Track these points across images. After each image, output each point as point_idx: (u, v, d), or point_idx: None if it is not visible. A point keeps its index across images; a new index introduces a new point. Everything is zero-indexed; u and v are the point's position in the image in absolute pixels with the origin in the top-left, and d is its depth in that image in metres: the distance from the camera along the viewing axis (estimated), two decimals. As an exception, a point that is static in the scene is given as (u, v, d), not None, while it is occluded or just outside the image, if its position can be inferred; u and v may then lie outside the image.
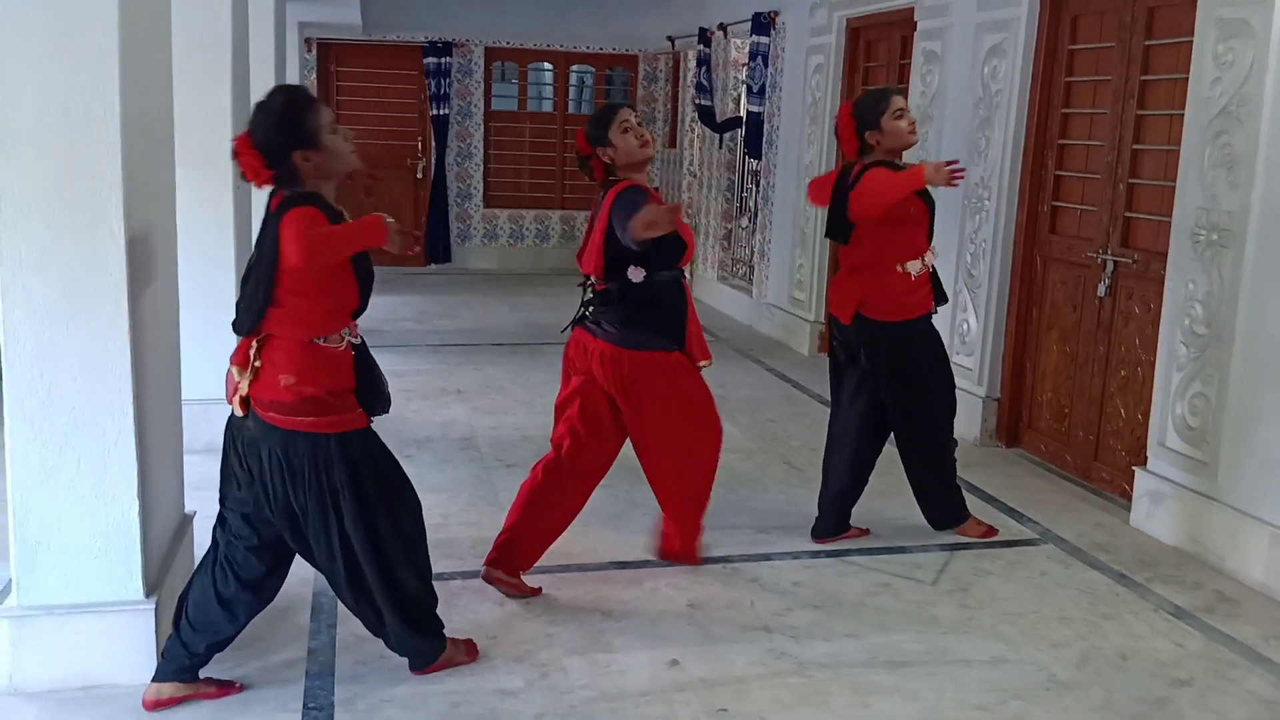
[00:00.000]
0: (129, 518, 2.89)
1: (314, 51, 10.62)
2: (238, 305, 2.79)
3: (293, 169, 2.73)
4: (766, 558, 4.02)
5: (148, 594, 2.97)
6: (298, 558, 2.98)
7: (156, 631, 2.95)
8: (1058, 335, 5.23)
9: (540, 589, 3.65)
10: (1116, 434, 4.84)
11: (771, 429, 5.78)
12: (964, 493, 4.34)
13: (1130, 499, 4.54)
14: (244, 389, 2.76)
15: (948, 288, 5.57)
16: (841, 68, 7.31)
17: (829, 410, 4.30)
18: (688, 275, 3.72)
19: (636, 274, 3.48)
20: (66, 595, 2.90)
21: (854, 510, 4.21)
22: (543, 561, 3.81)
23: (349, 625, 3.17)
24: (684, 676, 3.14)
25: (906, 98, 6.21)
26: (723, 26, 9.13)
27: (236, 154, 2.72)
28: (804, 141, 7.76)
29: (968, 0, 5.70)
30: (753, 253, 9.00)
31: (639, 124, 3.58)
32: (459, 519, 4.31)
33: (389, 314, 8.65)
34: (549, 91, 11.57)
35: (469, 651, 3.18)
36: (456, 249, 11.21)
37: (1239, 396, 3.99)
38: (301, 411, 2.75)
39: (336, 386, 2.79)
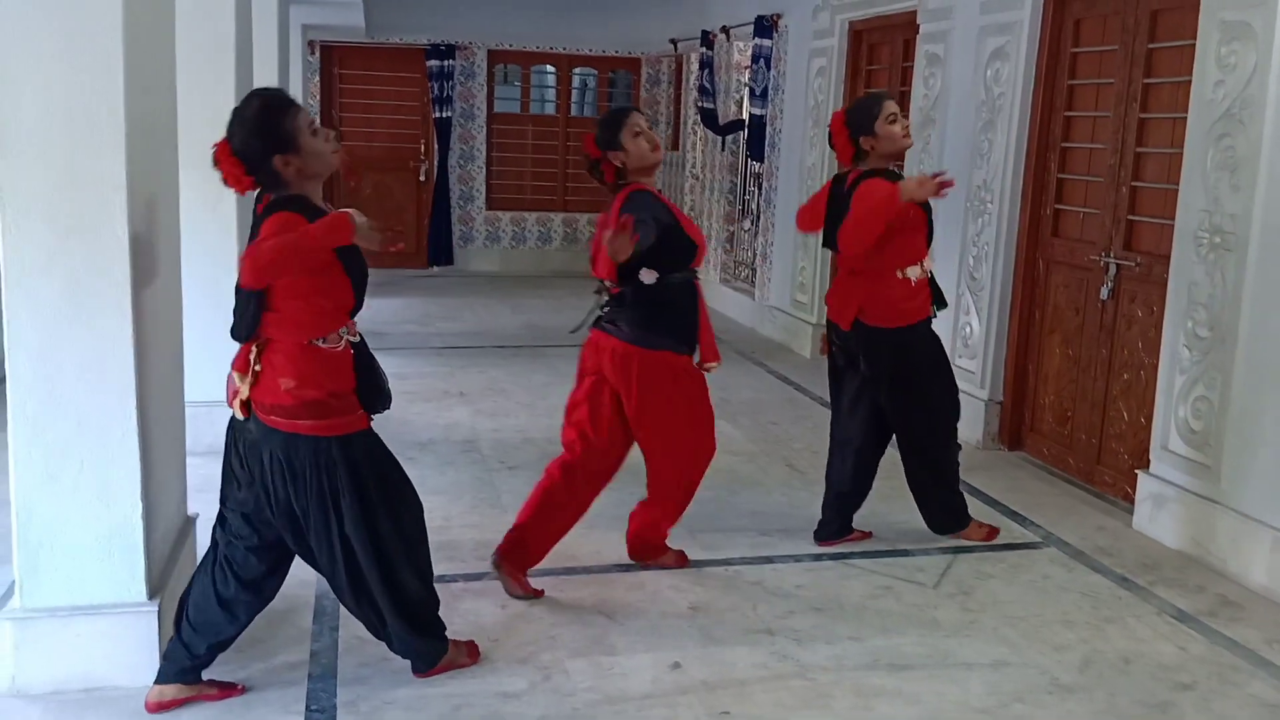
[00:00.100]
0: (132, 520, 2.89)
1: (317, 54, 10.64)
2: (234, 312, 2.79)
3: (274, 174, 2.72)
4: (769, 560, 4.02)
5: (150, 596, 2.97)
6: (298, 558, 2.98)
7: (159, 633, 2.95)
8: (1060, 338, 5.23)
9: (542, 591, 3.65)
10: (1119, 437, 4.84)
11: (773, 431, 5.78)
12: (965, 496, 4.33)
13: (1133, 502, 4.53)
14: (244, 393, 2.76)
15: (950, 291, 5.60)
16: (844, 70, 7.32)
17: (830, 414, 4.30)
18: (700, 277, 3.73)
19: (649, 276, 3.50)
20: (69, 597, 2.90)
21: (856, 513, 4.21)
22: (545, 563, 3.81)
23: (351, 627, 3.17)
24: (686, 679, 3.14)
25: (909, 101, 6.29)
26: (725, 29, 9.14)
27: (216, 162, 2.71)
28: (806, 144, 7.76)
29: (970, 3, 5.70)
30: (755, 255, 9.00)
31: (649, 128, 3.60)
32: (461, 521, 4.31)
33: (392, 316, 8.66)
34: (551, 94, 11.58)
35: (471, 653, 3.18)
36: (459, 251, 11.22)
37: (1242, 399, 3.99)
38: (303, 415, 2.75)
39: (337, 388, 2.79)
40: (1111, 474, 4.87)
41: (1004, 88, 5.43)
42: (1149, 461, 4.45)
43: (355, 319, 2.90)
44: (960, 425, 4.23)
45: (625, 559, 3.92)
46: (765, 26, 8.24)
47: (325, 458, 2.79)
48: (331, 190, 10.85)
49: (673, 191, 10.69)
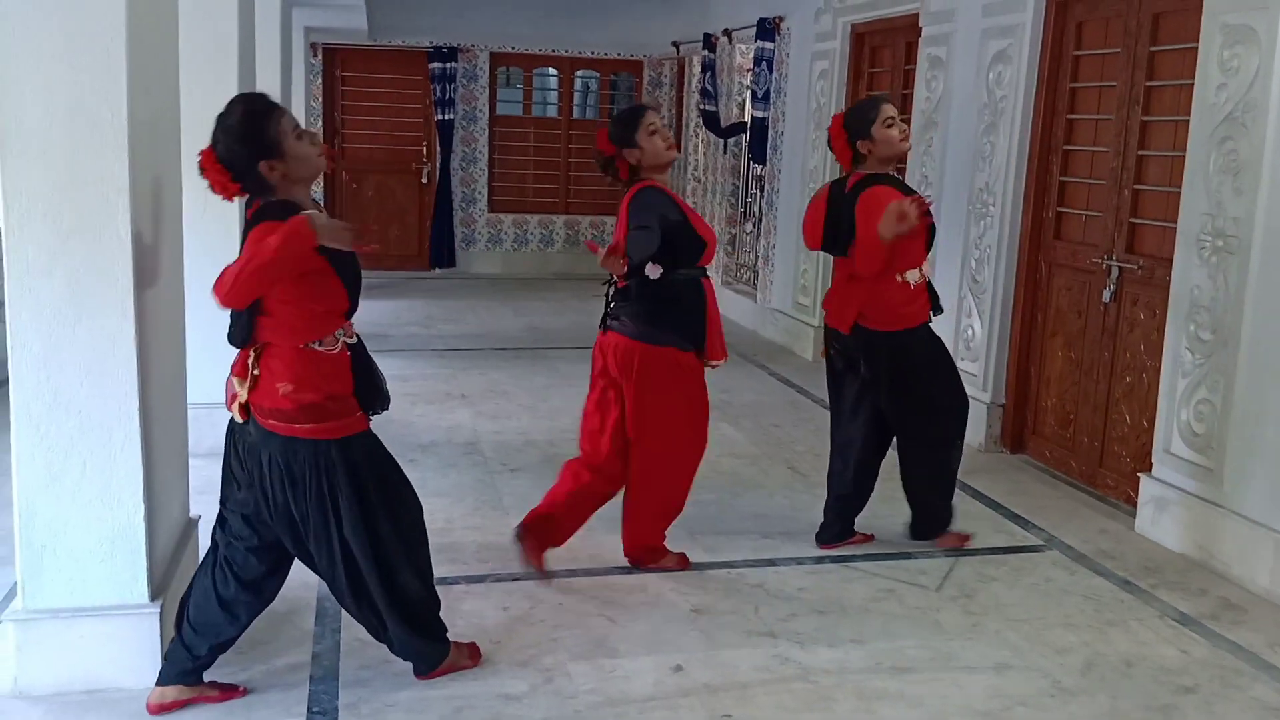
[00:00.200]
0: (134, 521, 2.89)
1: (320, 56, 10.65)
2: (230, 317, 2.79)
3: (260, 180, 2.71)
4: (771, 563, 4.02)
5: (153, 598, 2.97)
6: (298, 560, 2.98)
7: (161, 635, 2.95)
8: (1062, 341, 5.22)
9: (552, 575, 3.71)
10: (1121, 440, 4.83)
11: (775, 434, 5.77)
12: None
13: (1135, 505, 4.53)
14: (243, 396, 2.76)
15: (952, 293, 5.61)
16: (846, 73, 7.32)
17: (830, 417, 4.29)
18: (709, 274, 3.75)
19: (654, 271, 3.54)
20: (72, 599, 2.90)
21: (858, 516, 4.20)
22: (547, 566, 3.83)
23: (353, 630, 3.17)
24: (688, 682, 3.14)
25: (911, 104, 6.29)
26: (727, 32, 9.14)
27: (202, 170, 2.70)
28: (808, 147, 7.76)
29: (973, 6, 5.70)
30: (757, 258, 9.00)
31: (663, 126, 3.65)
32: (463, 523, 4.31)
33: (393, 318, 8.67)
34: (554, 97, 11.59)
35: (472, 656, 3.18)
36: (461, 254, 11.22)
37: (1245, 402, 3.99)
38: (301, 419, 2.74)
39: (335, 391, 2.79)
40: (1114, 477, 4.86)
41: (1006, 90, 5.43)
42: (1151, 465, 4.45)
43: (352, 320, 2.89)
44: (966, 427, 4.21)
45: (627, 561, 3.92)
46: (767, 29, 8.24)
47: (324, 460, 2.78)
48: (333, 192, 10.90)
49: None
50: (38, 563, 2.87)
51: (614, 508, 3.90)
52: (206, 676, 2.93)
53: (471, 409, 6.06)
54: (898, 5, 6.57)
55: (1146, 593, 3.88)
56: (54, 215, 2.72)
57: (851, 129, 3.90)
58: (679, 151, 3.99)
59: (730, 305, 9.34)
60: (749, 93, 8.92)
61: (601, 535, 3.99)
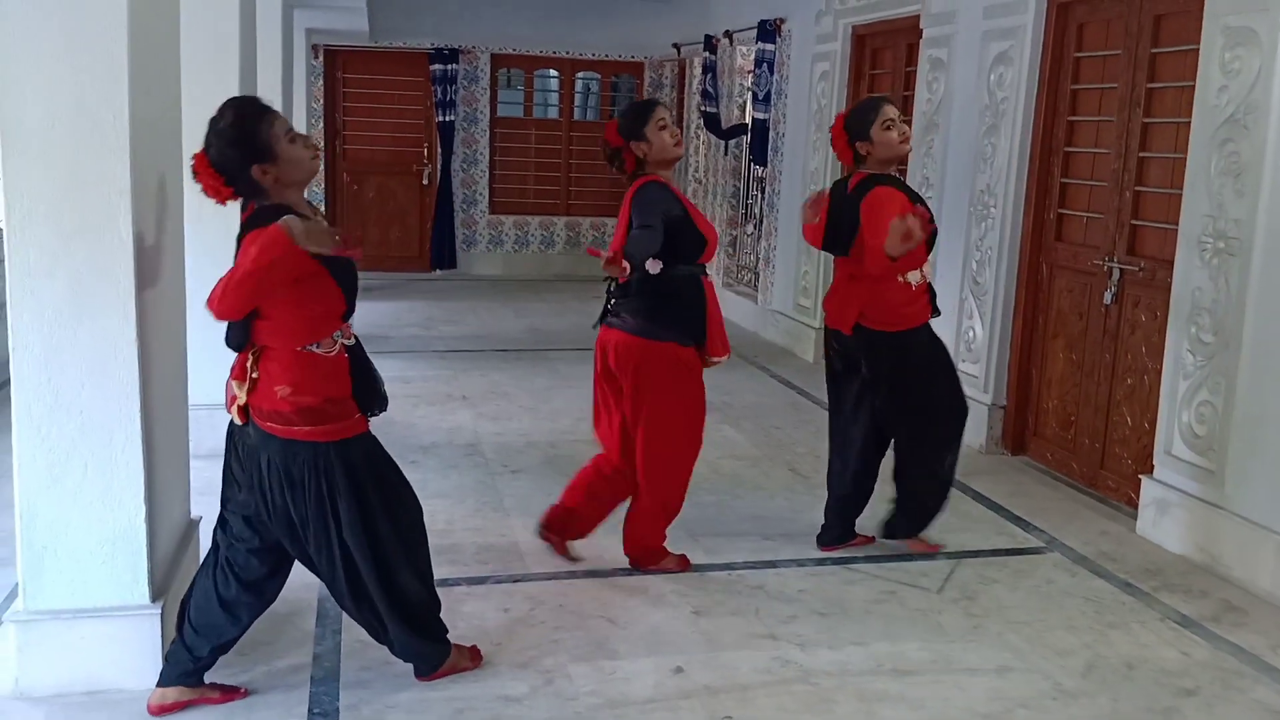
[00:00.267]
0: (135, 523, 2.90)
1: (321, 58, 10.66)
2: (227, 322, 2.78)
3: (253, 184, 2.71)
4: (772, 565, 4.02)
5: (154, 599, 2.97)
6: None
7: (162, 636, 2.95)
8: (1064, 343, 5.22)
9: (581, 558, 3.89)
10: (1123, 442, 4.83)
11: (776, 435, 5.77)
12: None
13: (1136, 507, 4.52)
14: (242, 399, 2.76)
15: (953, 295, 5.61)
16: (847, 75, 7.32)
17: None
18: (709, 272, 3.77)
19: (654, 266, 3.55)
20: (73, 600, 2.90)
21: (859, 518, 4.20)
22: (548, 568, 3.85)
23: (354, 631, 3.17)
24: (689, 684, 3.14)
25: (912, 106, 6.29)
26: (728, 33, 9.15)
27: (195, 174, 2.70)
28: (809, 148, 7.76)
29: (974, 8, 5.70)
30: (758, 259, 9.00)
31: (673, 122, 3.68)
32: (463, 525, 4.31)
33: (394, 320, 8.67)
34: (554, 98, 11.59)
35: (473, 657, 3.18)
36: (462, 255, 11.22)
37: (1246, 404, 3.98)
38: (300, 421, 2.74)
39: (333, 393, 2.79)
40: (1115, 479, 4.86)
41: (1007, 92, 5.43)
42: (1152, 466, 4.45)
43: (350, 322, 2.89)
44: (965, 430, 4.20)
45: (627, 563, 3.92)
46: (768, 31, 8.24)
47: (323, 462, 2.78)
48: (334, 194, 10.90)
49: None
50: (39, 564, 2.87)
51: (617, 513, 3.90)
52: (207, 678, 2.94)
53: (472, 410, 6.06)
54: (899, 7, 6.57)
55: (1148, 595, 3.88)
56: (55, 217, 2.73)
57: (851, 130, 3.90)
58: (684, 149, 4.03)
59: (731, 307, 9.34)
60: (750, 94, 8.92)
61: (602, 537, 3.99)
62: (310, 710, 2.93)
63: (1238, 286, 4.01)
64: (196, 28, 4.35)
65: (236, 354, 2.81)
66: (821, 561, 4.07)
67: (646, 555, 3.87)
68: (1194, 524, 4.18)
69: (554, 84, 11.56)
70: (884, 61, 7.09)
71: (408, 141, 11.12)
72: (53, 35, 2.67)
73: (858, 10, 7.13)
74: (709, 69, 9.28)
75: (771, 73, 8.28)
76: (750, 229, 9.42)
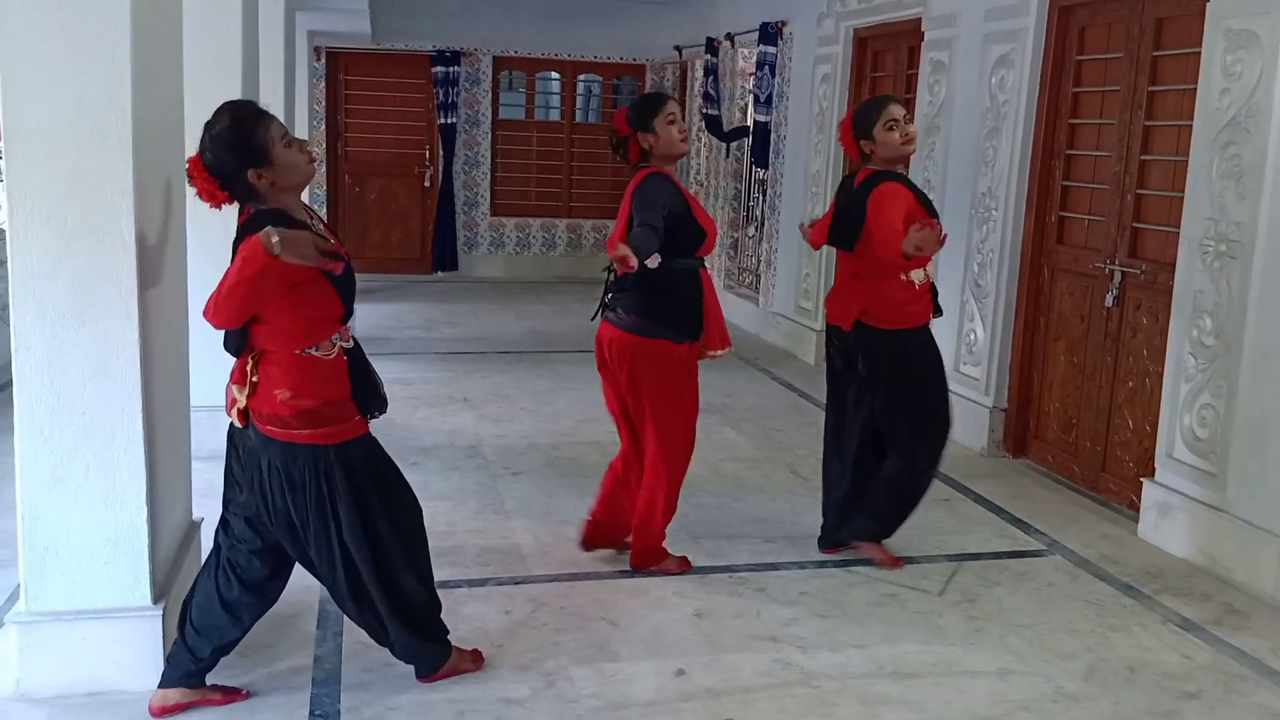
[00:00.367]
0: (137, 524, 2.90)
1: (323, 60, 10.66)
2: None
3: (248, 188, 2.70)
4: (773, 567, 4.02)
5: (155, 600, 2.97)
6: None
7: (164, 638, 2.95)
8: (1065, 346, 5.22)
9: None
10: (1124, 445, 4.83)
11: (778, 438, 5.77)
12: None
13: (1138, 510, 4.52)
14: (242, 402, 2.76)
15: (954, 298, 5.61)
16: (848, 78, 7.32)
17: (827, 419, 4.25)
18: (707, 265, 3.79)
19: (653, 260, 3.55)
20: (74, 601, 2.90)
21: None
22: (549, 570, 3.86)
23: (355, 633, 3.17)
24: (690, 686, 3.14)
25: (914, 109, 6.29)
26: (730, 36, 9.15)
27: (190, 177, 2.70)
28: (811, 151, 7.77)
29: (975, 11, 5.71)
30: (759, 262, 9.01)
31: (682, 119, 3.73)
32: (465, 527, 4.31)
33: (396, 322, 8.68)
34: (556, 101, 11.60)
35: (475, 659, 3.18)
36: (463, 257, 11.23)
37: (1248, 408, 3.98)
38: (299, 425, 2.74)
39: (333, 396, 2.79)
40: (1116, 482, 4.86)
41: (1009, 95, 5.43)
42: (1154, 469, 4.44)
43: (349, 325, 2.88)
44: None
45: (628, 564, 3.92)
46: (770, 33, 8.25)
47: (323, 465, 2.79)
48: (335, 195, 10.91)
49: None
50: (40, 565, 2.87)
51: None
52: (209, 679, 2.94)
53: (474, 412, 6.06)
54: (900, 9, 6.58)
55: (1149, 598, 3.88)
56: (58, 218, 2.73)
57: (857, 128, 3.92)
58: (690, 146, 4.07)
59: (732, 309, 9.34)
60: (751, 97, 8.93)
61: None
62: (311, 712, 2.93)
63: (1239, 289, 4.01)
64: (199, 29, 4.36)
65: (235, 358, 2.81)
66: (822, 564, 4.07)
67: (647, 556, 3.88)
68: (1196, 527, 4.18)
69: (555, 86, 11.57)
70: (885, 64, 7.10)
71: (409, 144, 11.12)
72: (55, 36, 2.68)
73: (859, 13, 7.13)
74: (710, 71, 9.28)
75: (773, 75, 8.29)
76: (751, 231, 9.42)
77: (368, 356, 2.93)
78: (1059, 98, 5.24)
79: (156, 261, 2.96)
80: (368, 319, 8.38)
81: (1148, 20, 4.69)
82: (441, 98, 10.75)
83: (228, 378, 2.83)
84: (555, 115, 11.60)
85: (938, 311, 4.01)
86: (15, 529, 2.89)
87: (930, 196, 5.83)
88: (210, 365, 4.22)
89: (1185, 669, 3.36)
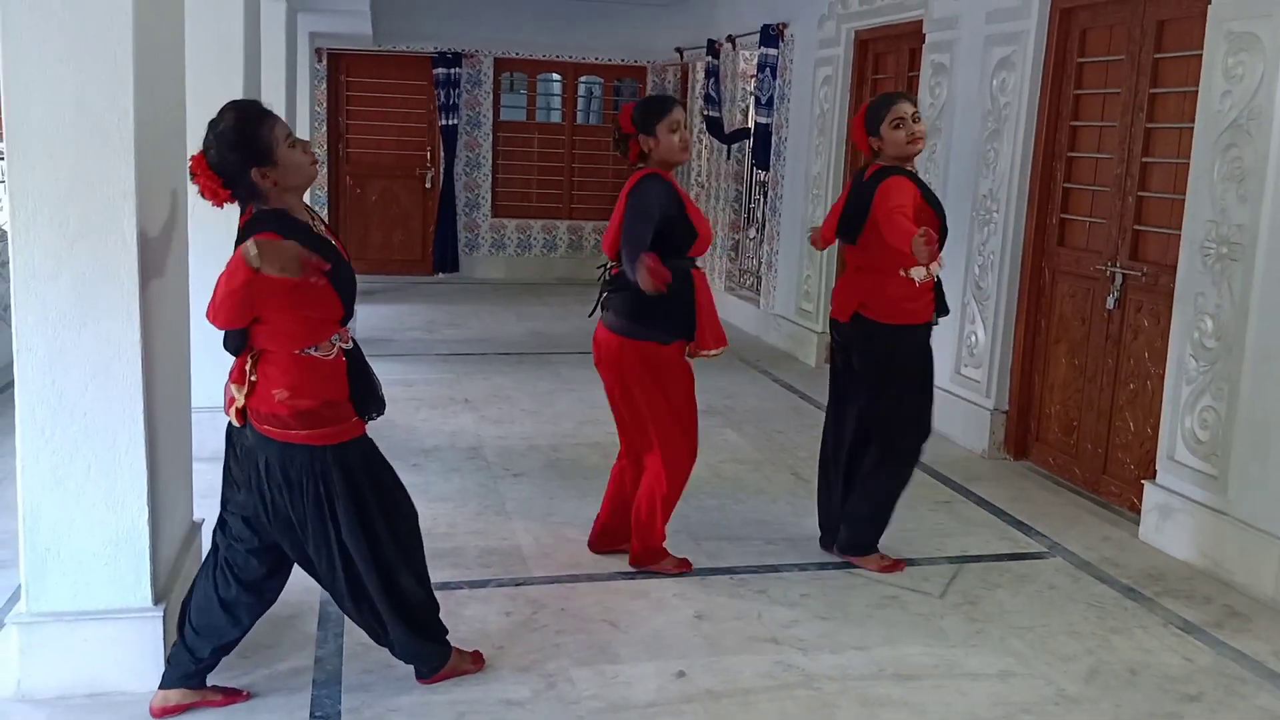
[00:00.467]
0: (138, 525, 2.90)
1: (324, 61, 10.67)
2: None
3: (251, 187, 2.70)
4: (774, 569, 4.02)
5: (156, 601, 2.97)
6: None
7: (165, 639, 2.95)
8: (1066, 348, 5.22)
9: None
10: (1125, 447, 4.83)
11: (779, 440, 5.77)
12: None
13: (1139, 512, 4.52)
14: (240, 401, 2.77)
15: (955, 300, 5.60)
16: (849, 80, 7.33)
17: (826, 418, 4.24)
18: (700, 264, 3.80)
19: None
20: (75, 602, 2.90)
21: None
22: (549, 571, 3.86)
23: (355, 634, 3.17)
24: (691, 688, 3.13)
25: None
26: (731, 38, 9.15)
27: (193, 175, 2.69)
28: (812, 153, 7.77)
29: (976, 13, 5.71)
30: (760, 264, 9.01)
31: (685, 127, 3.72)
32: (466, 528, 4.31)
33: (397, 323, 8.68)
34: (557, 102, 11.60)
35: (475, 661, 3.18)
36: (464, 258, 11.23)
37: (1249, 410, 3.98)
38: (297, 425, 2.74)
39: (331, 397, 2.79)
40: (1117, 484, 4.86)
41: (1010, 97, 5.43)
42: (1155, 472, 4.44)
43: (349, 326, 2.89)
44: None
45: (628, 566, 3.92)
46: (771, 35, 8.25)
47: (321, 465, 2.79)
48: (337, 197, 10.91)
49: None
50: (41, 566, 2.87)
51: (617, 513, 3.91)
52: (209, 680, 2.94)
53: (475, 414, 6.06)
54: (902, 12, 6.58)
55: (1150, 600, 3.88)
56: (60, 219, 2.73)
57: (867, 123, 3.93)
58: (690, 155, 4.09)
59: (733, 311, 9.35)
60: (752, 99, 8.93)
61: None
62: (312, 713, 2.93)
63: (1240, 292, 4.01)
64: (201, 30, 4.37)
65: (235, 358, 2.81)
66: (823, 566, 4.07)
67: (647, 556, 3.88)
68: (1197, 529, 4.18)
69: (557, 88, 11.58)
70: (887, 66, 7.10)
71: (411, 145, 11.13)
72: (56, 36, 2.68)
73: (860, 15, 7.13)
74: (712, 73, 9.29)
75: (774, 77, 8.29)
76: (752, 233, 9.42)
77: (367, 358, 2.94)
78: (1060, 100, 5.24)
79: (158, 262, 2.96)
80: (369, 320, 8.38)
81: (1149, 22, 4.69)
82: (443, 99, 10.76)
83: (227, 377, 2.83)
84: (556, 117, 11.60)
85: (944, 310, 4.01)
86: (16, 530, 2.89)
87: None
88: (211, 366, 4.22)
89: (1186, 671, 3.35)
